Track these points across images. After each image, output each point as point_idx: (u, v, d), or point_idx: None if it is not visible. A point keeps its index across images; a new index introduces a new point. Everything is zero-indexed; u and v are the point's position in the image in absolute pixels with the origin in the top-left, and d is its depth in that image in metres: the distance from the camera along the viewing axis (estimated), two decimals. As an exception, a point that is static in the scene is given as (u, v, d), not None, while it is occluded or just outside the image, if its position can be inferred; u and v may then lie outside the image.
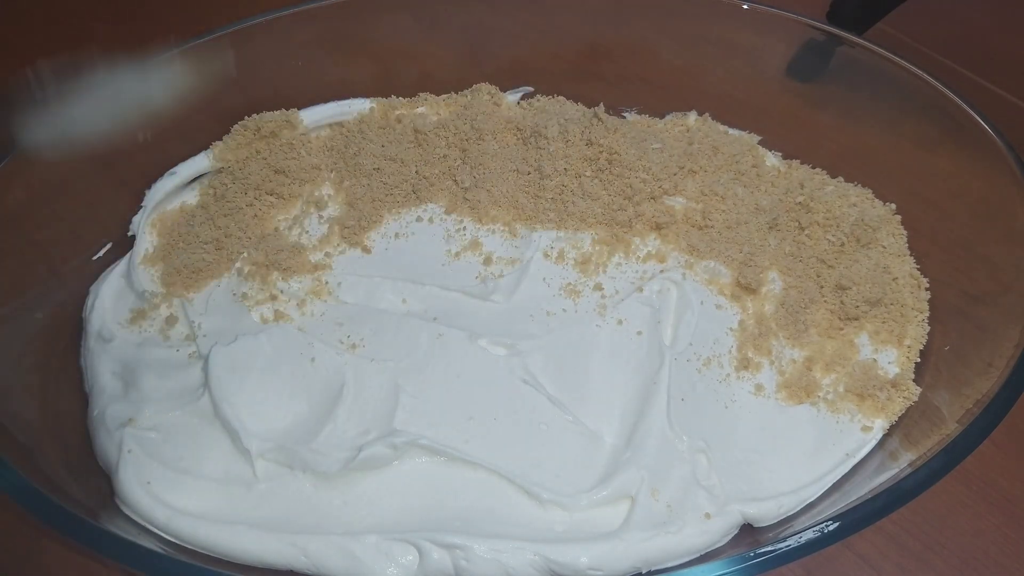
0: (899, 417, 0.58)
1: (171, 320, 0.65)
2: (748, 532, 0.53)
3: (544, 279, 0.67)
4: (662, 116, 0.83)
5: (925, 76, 0.71)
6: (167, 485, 0.53)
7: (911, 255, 0.68)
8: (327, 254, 0.70)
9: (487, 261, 0.68)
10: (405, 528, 0.51)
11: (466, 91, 0.84)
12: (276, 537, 0.50)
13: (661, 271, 0.66)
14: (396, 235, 0.71)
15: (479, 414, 0.57)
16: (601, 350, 0.61)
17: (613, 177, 0.70)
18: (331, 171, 0.77)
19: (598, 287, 0.66)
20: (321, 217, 0.73)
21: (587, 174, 0.71)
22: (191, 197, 0.76)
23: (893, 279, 0.66)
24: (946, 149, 0.71)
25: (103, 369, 0.61)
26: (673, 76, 0.85)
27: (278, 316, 0.64)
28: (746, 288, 0.65)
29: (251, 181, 0.74)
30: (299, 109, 0.81)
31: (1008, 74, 0.92)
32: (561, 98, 0.83)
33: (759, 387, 0.60)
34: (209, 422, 0.57)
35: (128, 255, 0.70)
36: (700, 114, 0.82)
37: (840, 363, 0.61)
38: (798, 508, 0.53)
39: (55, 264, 0.67)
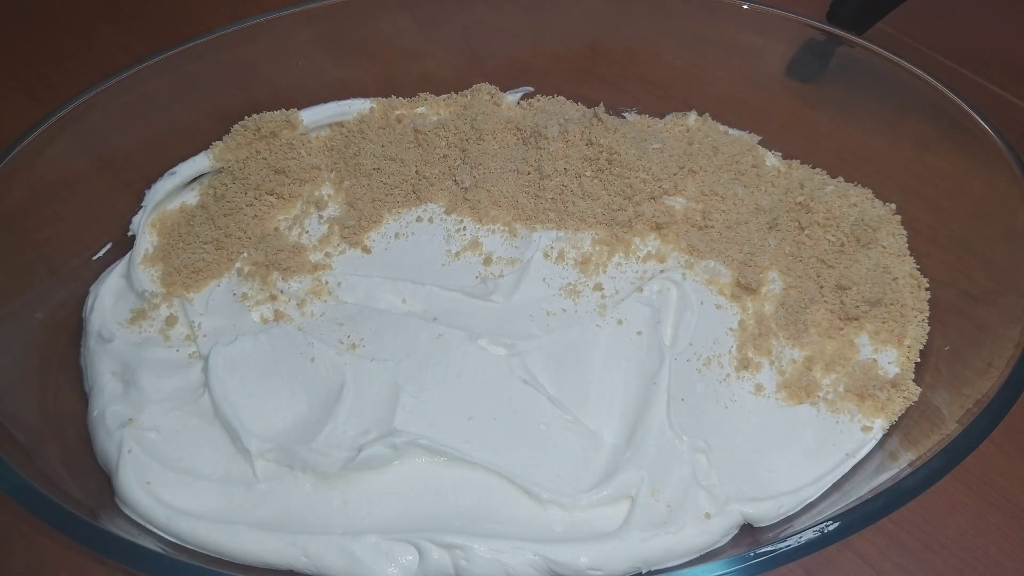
0: (899, 417, 0.58)
1: (171, 320, 0.65)
2: (748, 532, 0.53)
3: (544, 279, 0.67)
4: (662, 116, 0.83)
5: (925, 76, 0.71)
6: (167, 485, 0.53)
7: (911, 255, 0.69)
8: (327, 254, 0.70)
9: (487, 261, 0.68)
10: (405, 528, 0.51)
11: (466, 91, 0.84)
12: (276, 537, 0.50)
13: (661, 271, 0.66)
14: (396, 235, 0.71)
15: (479, 414, 0.57)
16: (601, 350, 0.61)
17: (613, 177, 0.70)
18: (331, 171, 0.77)
19: (598, 287, 0.66)
20: (321, 217, 0.73)
21: (587, 174, 0.71)
22: (191, 197, 0.76)
23: (893, 279, 0.66)
24: (946, 149, 0.71)
25: (103, 369, 0.61)
26: (673, 76, 0.85)
27: (278, 316, 0.64)
28: (746, 288, 0.65)
29: (251, 181, 0.74)
30: (299, 109, 0.81)
31: (1008, 74, 0.92)
32: (561, 98, 0.83)
33: (759, 387, 0.60)
34: (209, 422, 0.57)
35: (128, 255, 0.70)
36: (700, 114, 0.82)
37: (840, 363, 0.61)
38: (798, 508, 0.53)
39: (55, 264, 0.67)
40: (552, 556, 0.49)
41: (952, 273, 0.66)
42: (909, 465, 0.50)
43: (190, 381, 0.60)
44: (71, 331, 0.65)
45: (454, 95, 0.85)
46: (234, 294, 0.66)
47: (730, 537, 0.53)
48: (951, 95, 0.69)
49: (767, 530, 0.53)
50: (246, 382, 0.59)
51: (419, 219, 0.72)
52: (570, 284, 0.66)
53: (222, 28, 0.78)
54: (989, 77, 0.92)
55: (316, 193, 0.75)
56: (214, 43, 0.78)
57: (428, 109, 0.83)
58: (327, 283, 0.67)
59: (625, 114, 0.84)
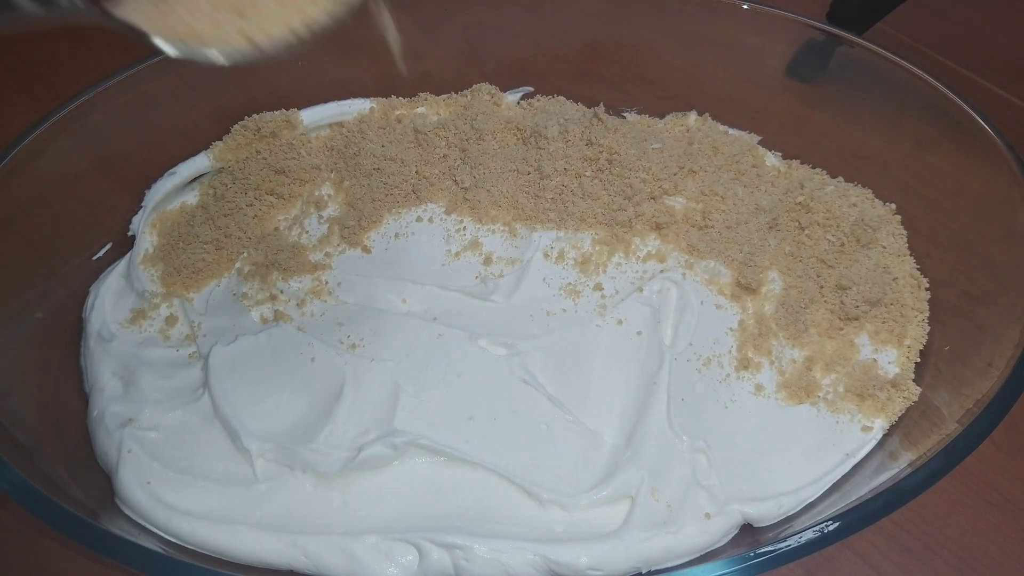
0: (899, 417, 0.58)
1: (171, 320, 0.65)
2: (748, 532, 0.53)
3: (544, 279, 0.67)
4: (662, 116, 0.83)
5: (925, 76, 0.71)
6: (167, 485, 0.53)
7: (911, 255, 0.69)
8: (327, 254, 0.70)
9: (487, 261, 0.68)
10: (405, 528, 0.51)
11: (466, 91, 0.84)
12: (276, 537, 0.50)
13: (661, 271, 0.66)
14: (396, 235, 0.71)
15: (479, 414, 0.57)
16: (601, 350, 0.61)
17: (613, 177, 0.70)
18: (331, 171, 0.77)
19: (598, 287, 0.66)
20: (321, 217, 0.73)
21: (587, 174, 0.71)
22: (191, 197, 0.76)
23: (893, 279, 0.66)
24: (946, 149, 0.71)
25: (103, 369, 0.61)
26: (673, 76, 0.85)
27: (278, 316, 0.64)
28: (746, 288, 0.65)
29: (251, 181, 0.74)
30: (299, 109, 0.81)
31: (1008, 74, 0.92)
32: (561, 98, 0.83)
33: (759, 387, 0.60)
34: (209, 422, 0.57)
35: (128, 255, 0.70)
36: (700, 114, 0.82)
37: (840, 363, 0.61)
38: (798, 508, 0.53)
39: (55, 264, 0.67)
40: (552, 556, 0.49)
41: (952, 273, 0.66)
42: (909, 465, 0.50)
43: (190, 381, 0.60)
44: (71, 331, 0.65)
45: (454, 95, 0.85)
46: (234, 294, 0.66)
47: (730, 537, 0.53)
48: (951, 95, 0.69)
49: (767, 530, 0.53)
50: (246, 382, 0.59)
51: (419, 219, 0.72)
52: (570, 284, 0.66)
53: (222, 28, 0.78)
54: (989, 77, 0.92)
55: (316, 193, 0.75)
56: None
57: (428, 109, 0.83)
58: (327, 283, 0.67)
59: (625, 114, 0.84)
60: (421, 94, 0.84)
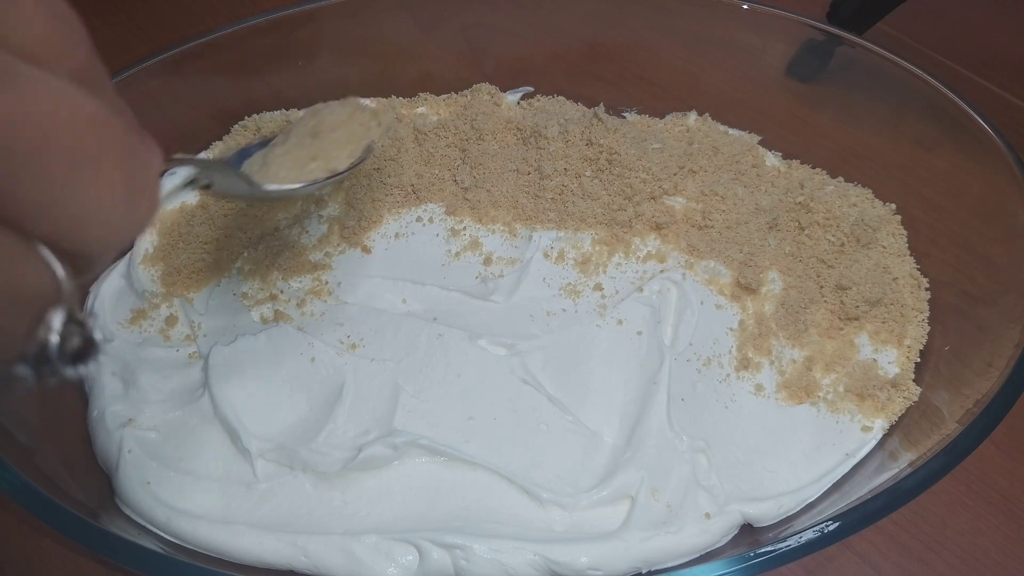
0: (899, 417, 0.58)
1: (171, 320, 0.65)
2: (748, 532, 0.53)
3: (544, 279, 0.67)
4: (662, 116, 0.83)
5: (925, 76, 0.71)
6: (167, 485, 0.53)
7: (911, 255, 0.69)
8: (327, 254, 0.70)
9: (487, 261, 0.68)
10: (405, 528, 0.51)
11: (466, 91, 0.84)
12: (276, 537, 0.50)
13: (661, 271, 0.66)
14: (396, 235, 0.71)
15: (479, 414, 0.57)
16: (601, 350, 0.61)
17: (613, 177, 0.70)
18: (331, 171, 0.77)
19: (598, 287, 0.66)
20: (321, 217, 0.73)
21: (587, 174, 0.71)
22: (191, 197, 0.75)
23: (893, 279, 0.66)
24: (946, 149, 0.71)
25: (103, 369, 0.61)
26: (673, 76, 0.85)
27: (278, 316, 0.64)
28: (746, 288, 0.65)
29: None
30: (299, 109, 0.81)
31: (1008, 74, 0.92)
32: (561, 98, 0.83)
33: (759, 387, 0.60)
34: (209, 422, 0.57)
35: (128, 255, 0.70)
36: (700, 114, 0.82)
37: (840, 363, 0.61)
38: (798, 508, 0.53)
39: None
40: (552, 556, 0.49)
41: (952, 273, 0.66)
42: (909, 465, 0.50)
43: (190, 381, 0.60)
44: (71, 331, 0.65)
45: (454, 95, 0.85)
46: (234, 294, 0.66)
47: (730, 537, 0.53)
48: (951, 95, 0.69)
49: (767, 530, 0.53)
50: (246, 382, 0.59)
51: (419, 219, 0.72)
52: (570, 284, 0.66)
53: (222, 28, 0.78)
54: (989, 77, 0.92)
55: (316, 193, 0.75)
56: (214, 43, 0.77)
57: (428, 109, 0.83)
58: (327, 283, 0.67)
59: (625, 114, 0.84)
60: (421, 94, 0.84)
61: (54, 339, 0.26)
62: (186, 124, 0.78)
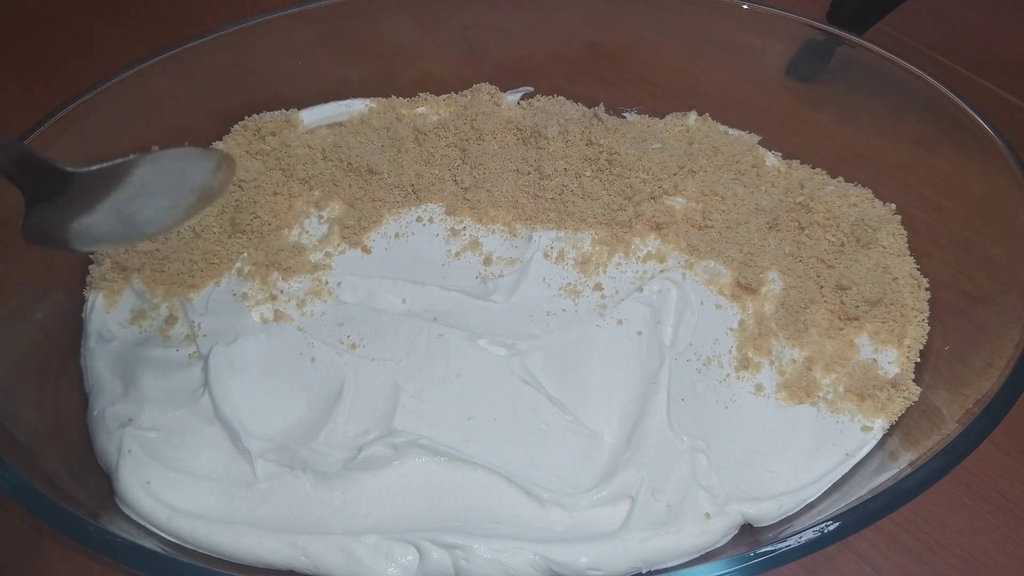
0: (899, 417, 0.58)
1: (171, 320, 0.65)
2: (748, 532, 0.53)
3: (544, 279, 0.67)
4: (662, 116, 0.83)
5: (925, 76, 0.71)
6: (167, 485, 0.53)
7: (911, 255, 0.69)
8: (327, 254, 0.70)
9: (487, 261, 0.68)
10: (405, 528, 0.51)
11: (466, 91, 0.84)
12: (276, 537, 0.50)
13: (661, 271, 0.66)
14: (396, 235, 0.71)
15: (479, 414, 0.57)
16: (601, 350, 0.61)
17: (613, 177, 0.70)
18: (331, 171, 0.77)
19: (598, 287, 0.66)
20: (321, 217, 0.73)
21: (587, 174, 0.71)
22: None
23: (893, 279, 0.66)
24: (946, 149, 0.71)
25: (103, 369, 0.61)
26: (673, 76, 0.85)
27: (278, 316, 0.64)
28: (746, 288, 0.65)
29: (251, 181, 0.74)
30: (299, 109, 0.81)
31: (1008, 74, 0.92)
32: (561, 98, 0.83)
33: (759, 387, 0.60)
34: (209, 422, 0.57)
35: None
36: (700, 114, 0.82)
37: (840, 363, 0.61)
38: (798, 508, 0.53)
39: (55, 264, 0.67)
40: (552, 556, 0.49)
41: (952, 273, 0.66)
42: (909, 465, 0.50)
43: (190, 381, 0.60)
44: (71, 331, 0.65)
45: (454, 95, 0.85)
46: (234, 294, 0.66)
47: (730, 537, 0.53)
48: (951, 95, 0.69)
49: (767, 530, 0.53)
50: (246, 382, 0.59)
51: (419, 219, 0.72)
52: (570, 284, 0.66)
53: (222, 28, 0.78)
54: (989, 77, 0.92)
55: (316, 193, 0.75)
56: (214, 43, 0.77)
57: (428, 109, 0.83)
58: (327, 283, 0.67)
59: (625, 114, 0.84)
60: (421, 94, 0.84)
61: None
62: (186, 124, 0.78)
